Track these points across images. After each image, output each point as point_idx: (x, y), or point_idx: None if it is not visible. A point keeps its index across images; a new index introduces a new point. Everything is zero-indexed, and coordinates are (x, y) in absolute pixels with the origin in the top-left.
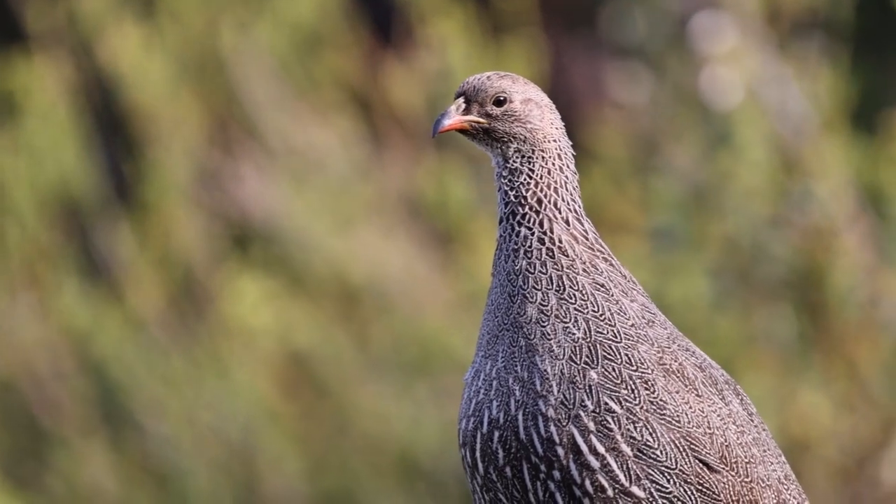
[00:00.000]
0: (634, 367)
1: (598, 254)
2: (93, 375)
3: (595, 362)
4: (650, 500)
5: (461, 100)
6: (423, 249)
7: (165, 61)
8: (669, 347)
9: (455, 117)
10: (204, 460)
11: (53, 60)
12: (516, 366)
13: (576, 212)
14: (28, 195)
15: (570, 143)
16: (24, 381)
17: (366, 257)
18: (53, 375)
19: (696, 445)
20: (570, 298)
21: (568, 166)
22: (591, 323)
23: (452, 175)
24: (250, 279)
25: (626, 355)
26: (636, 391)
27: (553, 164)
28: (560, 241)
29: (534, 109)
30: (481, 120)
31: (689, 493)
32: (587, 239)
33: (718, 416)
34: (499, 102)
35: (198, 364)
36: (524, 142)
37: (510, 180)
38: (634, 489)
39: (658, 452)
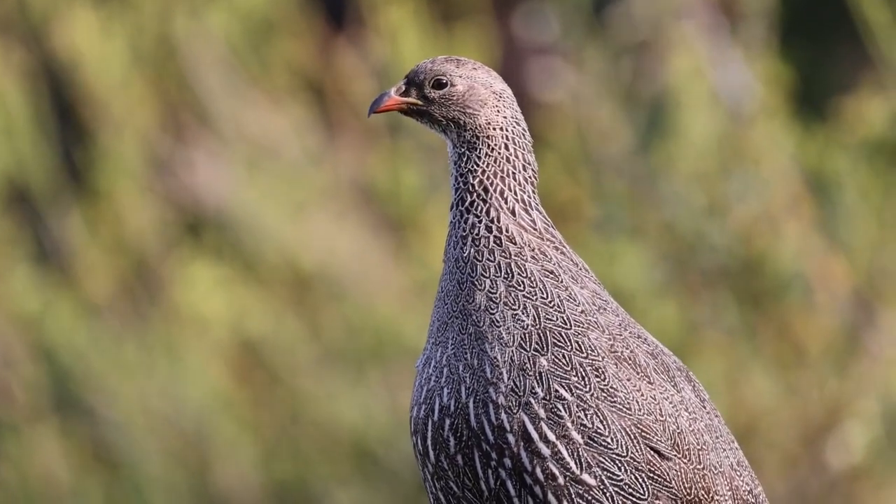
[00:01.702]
0: (585, 355)
1: (547, 242)
2: (44, 362)
3: (545, 349)
4: (601, 487)
5: (403, 81)
6: (376, 236)
7: (118, 47)
8: (621, 335)
9: (392, 98)
10: (156, 447)
11: (5, 46)
12: (466, 353)
13: (524, 202)
14: None
15: (527, 131)
16: None
17: (318, 244)
18: (4, 362)
19: (648, 433)
20: (519, 286)
21: (518, 155)
22: (540, 310)
23: (405, 162)
24: (202, 266)
25: (577, 342)
26: (587, 378)
27: (500, 152)
28: (507, 230)
29: (477, 95)
30: (417, 102)
31: (640, 480)
32: (535, 228)
33: (670, 403)
34: (438, 85)
35: (150, 351)
36: (464, 127)
37: (458, 166)
38: (585, 477)
39: (609, 440)
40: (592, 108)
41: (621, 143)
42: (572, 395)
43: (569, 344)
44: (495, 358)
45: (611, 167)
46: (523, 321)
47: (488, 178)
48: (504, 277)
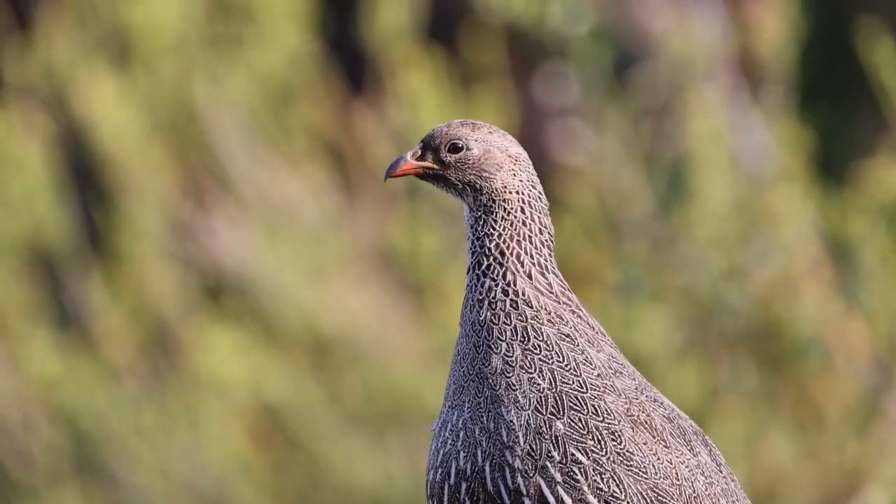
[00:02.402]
0: (601, 418)
1: (564, 305)
2: (64, 426)
3: (561, 412)
4: None
5: (419, 145)
6: (395, 300)
7: (138, 112)
8: (637, 398)
9: (408, 162)
10: None
11: (27, 111)
12: (482, 416)
13: (540, 265)
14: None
15: (543, 194)
16: None
17: (338, 308)
18: (24, 426)
19: (664, 497)
20: (535, 349)
21: (534, 219)
22: (556, 373)
23: (424, 226)
24: (222, 330)
25: (593, 406)
26: (603, 442)
27: (516, 216)
28: (523, 293)
29: (493, 159)
30: (434, 166)
31: None
32: (551, 291)
33: (687, 466)
34: (454, 149)
35: (170, 415)
36: (481, 191)
37: (475, 230)
38: None
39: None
40: (613, 170)
41: (641, 207)
42: (589, 458)
43: (585, 407)
44: (511, 421)
45: (631, 230)
46: (539, 384)
47: (504, 241)
48: (520, 341)
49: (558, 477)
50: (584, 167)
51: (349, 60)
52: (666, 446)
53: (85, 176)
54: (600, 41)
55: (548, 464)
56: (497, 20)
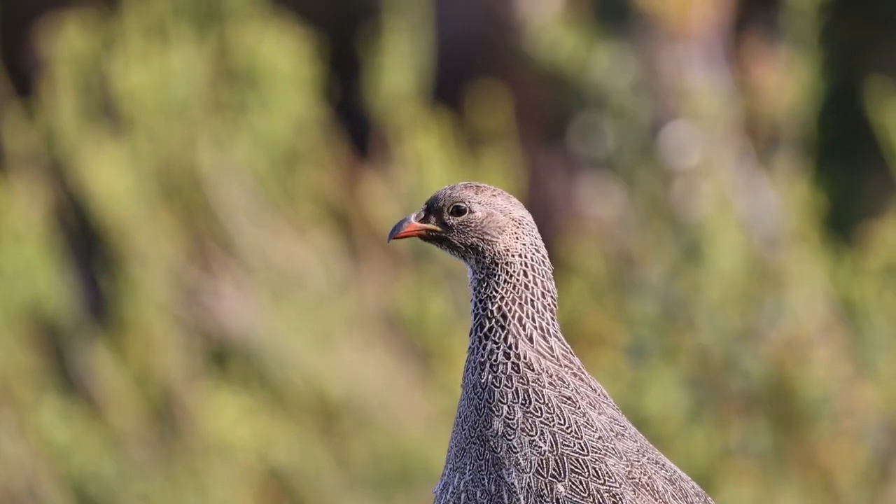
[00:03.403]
0: (602, 481)
1: (565, 368)
2: (71, 493)
3: (562, 475)
4: None
5: (423, 207)
6: (402, 364)
7: (141, 178)
8: (639, 461)
9: (411, 224)
10: None
11: (28, 179)
12: (483, 479)
13: (542, 328)
14: (4, 314)
15: (547, 258)
16: (1, 499)
17: (345, 372)
18: (31, 493)
19: None
20: (536, 412)
21: (537, 282)
22: (557, 436)
23: (430, 290)
24: (229, 395)
25: (594, 468)
26: None
27: (518, 279)
28: (525, 357)
29: (496, 222)
30: (436, 228)
31: None
32: (553, 354)
33: None
34: (457, 212)
35: (177, 480)
36: (483, 254)
37: (478, 292)
38: None
39: None
40: (632, 229)
41: (652, 269)
42: None
43: (586, 470)
44: (512, 484)
45: (642, 292)
46: (540, 447)
47: (507, 304)
48: (522, 404)
49: None
50: (595, 226)
51: (354, 125)
52: None
53: (89, 244)
54: (640, 95)
55: None
56: (541, 65)
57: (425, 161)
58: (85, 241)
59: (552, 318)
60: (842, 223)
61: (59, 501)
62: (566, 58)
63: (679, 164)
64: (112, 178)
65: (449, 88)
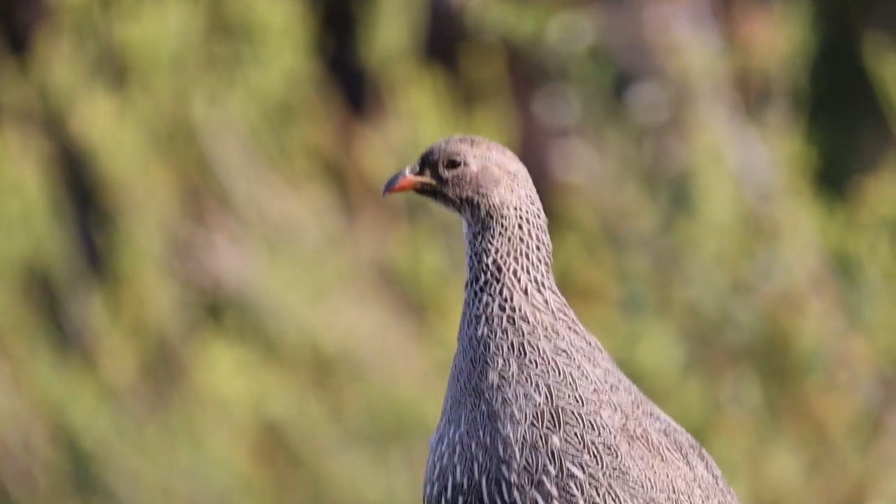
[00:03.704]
0: (597, 433)
1: (560, 321)
2: (65, 446)
3: (557, 427)
4: None
5: (418, 161)
6: (397, 318)
7: (137, 132)
8: (633, 413)
9: (406, 178)
10: None
11: (24, 132)
12: (479, 431)
13: (537, 281)
14: None
15: (542, 211)
16: None
17: (339, 326)
18: (26, 446)
19: None
20: (532, 364)
21: (532, 235)
22: (552, 388)
23: (425, 243)
24: (223, 348)
25: (589, 420)
26: (599, 457)
27: (513, 232)
28: (520, 310)
29: (491, 175)
30: (431, 181)
31: None
32: (548, 307)
33: (683, 480)
34: (452, 165)
35: (172, 434)
36: (478, 207)
37: (473, 246)
38: None
39: None
40: (614, 189)
41: (644, 223)
42: (584, 473)
43: (581, 422)
44: (507, 436)
45: (633, 247)
46: (535, 399)
47: (501, 257)
48: (517, 356)
49: (554, 492)
50: (585, 185)
51: (348, 79)
52: (662, 460)
53: (84, 196)
54: (599, 60)
55: (544, 479)
56: (493, 39)
57: (419, 116)
58: (80, 195)
59: (547, 271)
60: (834, 176)
61: (53, 455)
62: (514, 31)
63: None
64: (107, 132)
65: (443, 43)
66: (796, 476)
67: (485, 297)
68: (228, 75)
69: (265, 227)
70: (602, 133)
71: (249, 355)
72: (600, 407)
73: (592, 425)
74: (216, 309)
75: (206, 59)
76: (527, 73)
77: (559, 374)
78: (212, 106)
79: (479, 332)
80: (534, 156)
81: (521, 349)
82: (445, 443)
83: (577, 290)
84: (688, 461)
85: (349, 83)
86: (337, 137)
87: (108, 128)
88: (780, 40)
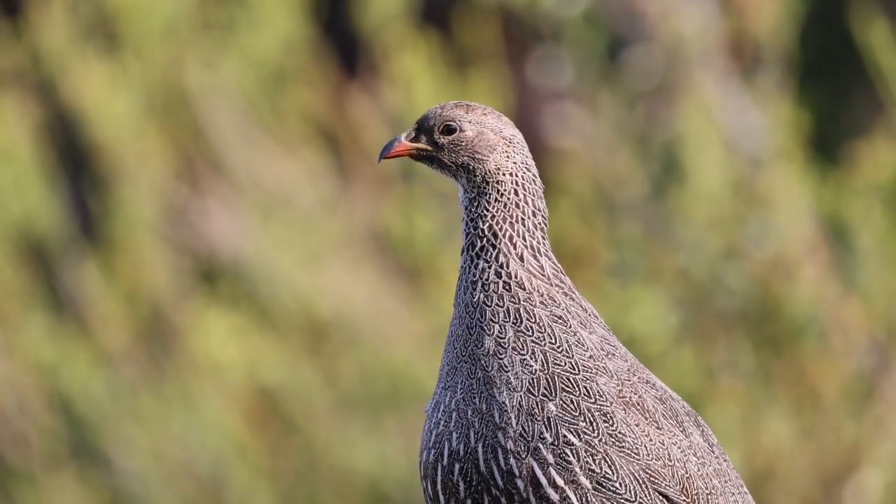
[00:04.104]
0: (593, 400)
1: (556, 288)
2: (60, 411)
3: (553, 394)
4: None
5: (413, 127)
6: (391, 283)
7: (130, 98)
8: (629, 380)
9: (401, 143)
10: (173, 495)
11: (17, 98)
12: (475, 398)
13: (533, 248)
14: None
15: (538, 177)
16: None
17: (333, 292)
18: (20, 411)
19: (656, 478)
20: (528, 331)
21: (528, 201)
22: (548, 355)
23: (419, 208)
24: (217, 314)
25: (585, 387)
26: (595, 423)
27: (509, 198)
28: (516, 276)
29: (486, 140)
30: (427, 147)
31: None
32: (543, 273)
33: (679, 447)
34: (448, 131)
35: (166, 399)
36: (474, 173)
37: (469, 211)
38: None
39: (617, 485)
40: (606, 154)
41: (636, 189)
42: (580, 440)
43: (577, 389)
44: (504, 403)
45: (626, 212)
46: (532, 366)
47: (497, 223)
48: (513, 323)
49: (550, 458)
50: (578, 150)
51: (343, 44)
52: (658, 427)
53: (78, 162)
54: (593, 24)
55: (540, 445)
56: (488, 3)
57: (413, 80)
58: (74, 160)
59: (543, 238)
60: (827, 142)
61: (48, 420)
62: None
63: (646, 85)
64: (101, 97)
65: (437, 7)
66: (790, 441)
67: (481, 263)
68: (222, 39)
69: (259, 192)
70: (596, 97)
71: (243, 321)
72: (596, 374)
73: (588, 392)
74: (210, 275)
75: (199, 24)
76: (521, 37)
77: (555, 340)
78: (205, 70)
79: (475, 299)
80: (527, 120)
81: (517, 315)
82: (441, 409)
83: (569, 256)
84: (683, 428)
85: (343, 47)
86: (331, 102)
87: (101, 93)
88: (771, 6)
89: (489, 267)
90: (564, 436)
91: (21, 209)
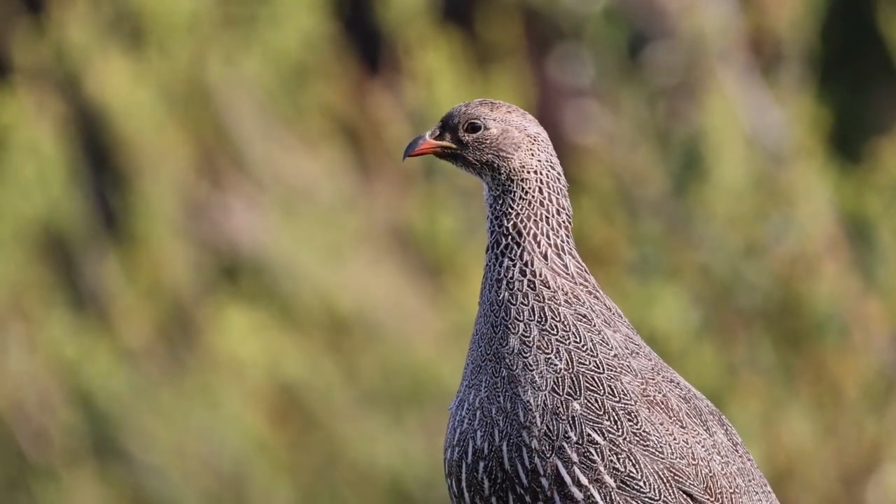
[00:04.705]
0: (617, 399)
1: (580, 286)
2: (81, 407)
3: (578, 393)
4: None
5: (438, 125)
6: (413, 280)
7: (152, 93)
8: (653, 379)
9: (426, 141)
10: (194, 491)
11: (40, 94)
12: (499, 396)
13: (557, 246)
14: (15, 228)
15: (562, 175)
16: (11, 413)
17: (355, 288)
18: (42, 407)
19: (680, 476)
20: (552, 329)
21: (552, 199)
22: (573, 354)
23: (441, 205)
24: (239, 310)
25: (609, 386)
26: (619, 422)
27: (534, 196)
28: (540, 274)
29: (511, 138)
30: (452, 145)
31: None
32: (568, 272)
33: (703, 446)
34: (472, 129)
35: (187, 395)
36: (499, 171)
37: (493, 209)
38: None
39: (641, 484)
40: (628, 150)
41: (657, 186)
42: (605, 439)
43: (601, 388)
44: (528, 402)
45: (646, 209)
46: (556, 365)
47: (522, 221)
48: (538, 321)
49: (575, 457)
50: (599, 147)
51: (364, 40)
52: (682, 426)
53: (100, 158)
54: (614, 21)
55: (564, 444)
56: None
57: (435, 77)
58: (96, 156)
59: (567, 236)
60: (848, 138)
61: (69, 416)
62: None
63: (667, 82)
64: (123, 93)
65: (459, 4)
66: (811, 438)
67: (505, 261)
68: (244, 36)
69: (280, 188)
70: (616, 94)
71: (264, 317)
72: (620, 373)
73: (613, 391)
74: (231, 270)
75: (221, 20)
76: (542, 34)
77: (580, 339)
78: (227, 66)
79: (500, 297)
80: (549, 117)
81: (541, 314)
82: (465, 408)
83: (590, 252)
84: (707, 427)
85: (365, 44)
86: (352, 98)
87: (123, 89)
88: (792, 1)
89: (514, 265)
90: (589, 434)
91: (43, 204)
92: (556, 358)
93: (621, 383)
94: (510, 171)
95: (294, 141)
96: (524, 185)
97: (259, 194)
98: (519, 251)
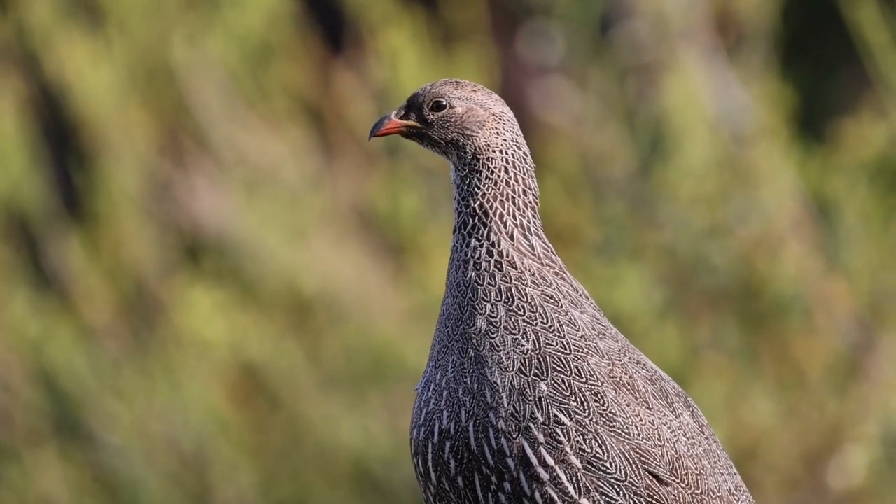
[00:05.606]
0: (584, 380)
1: (547, 267)
2: (43, 386)
3: (545, 374)
4: None
5: (404, 105)
6: (376, 260)
7: (115, 72)
8: (620, 360)
9: (391, 121)
10: (156, 471)
11: (1, 73)
12: (466, 377)
13: (523, 227)
14: None
15: (528, 155)
16: None
17: (318, 268)
18: (3, 386)
19: (647, 457)
20: (519, 310)
21: (518, 179)
22: (540, 335)
23: (404, 186)
24: (202, 290)
25: (576, 367)
26: (586, 403)
27: (499, 175)
28: (507, 255)
29: (476, 116)
30: (417, 124)
31: None
32: (534, 253)
33: (669, 428)
34: (437, 107)
35: (149, 375)
36: (464, 149)
37: (460, 189)
38: (584, 501)
39: (607, 465)
40: (594, 130)
41: (622, 166)
42: (571, 420)
43: (568, 369)
44: (495, 382)
45: (611, 190)
46: (523, 346)
47: (488, 201)
48: (504, 302)
49: (541, 438)
50: (566, 126)
51: (328, 19)
52: (648, 408)
53: (62, 137)
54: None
55: (531, 425)
56: None
57: (399, 56)
58: (58, 135)
59: (534, 216)
60: (812, 119)
61: (31, 395)
62: None
63: (635, 61)
64: (85, 72)
65: None
66: (773, 419)
67: (472, 242)
68: (207, 15)
69: (244, 168)
70: (585, 72)
71: (227, 297)
72: (587, 354)
73: (580, 372)
74: (194, 250)
75: (184, 0)
76: (509, 11)
77: (547, 320)
78: (190, 46)
79: (467, 277)
80: (514, 96)
81: (508, 295)
82: (432, 388)
83: (555, 232)
84: (673, 409)
85: (329, 23)
86: (316, 77)
87: (85, 68)
88: None
89: (480, 246)
90: (555, 415)
91: (5, 184)
92: (522, 339)
93: (588, 364)
94: (475, 149)
95: (257, 121)
96: (490, 165)
97: (222, 174)
98: (486, 231)
